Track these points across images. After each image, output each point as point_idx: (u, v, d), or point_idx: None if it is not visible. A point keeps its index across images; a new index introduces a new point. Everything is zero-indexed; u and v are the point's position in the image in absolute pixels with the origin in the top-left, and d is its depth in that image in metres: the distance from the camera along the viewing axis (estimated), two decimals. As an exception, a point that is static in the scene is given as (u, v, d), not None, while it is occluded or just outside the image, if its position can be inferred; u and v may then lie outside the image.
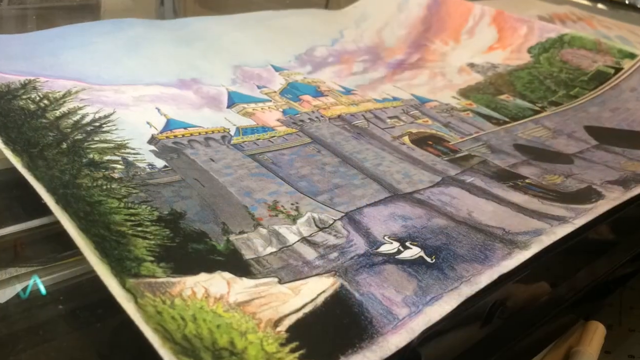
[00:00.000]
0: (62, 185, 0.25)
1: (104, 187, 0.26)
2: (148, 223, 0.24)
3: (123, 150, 0.30)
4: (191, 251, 0.23)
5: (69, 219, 0.22)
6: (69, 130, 0.30)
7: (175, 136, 0.33)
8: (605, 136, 0.40)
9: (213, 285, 0.21)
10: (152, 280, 0.20)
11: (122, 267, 0.21)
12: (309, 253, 0.24)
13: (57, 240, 0.25)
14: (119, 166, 0.28)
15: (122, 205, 0.25)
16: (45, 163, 0.26)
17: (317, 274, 0.23)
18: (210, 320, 0.19)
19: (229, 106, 0.39)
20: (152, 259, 0.22)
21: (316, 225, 0.26)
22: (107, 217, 0.23)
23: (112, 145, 0.30)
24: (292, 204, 0.28)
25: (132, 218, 0.24)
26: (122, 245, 0.22)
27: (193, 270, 0.22)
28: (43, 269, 0.27)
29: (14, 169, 0.26)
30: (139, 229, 0.23)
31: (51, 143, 0.28)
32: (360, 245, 0.25)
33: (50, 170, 0.26)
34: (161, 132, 0.33)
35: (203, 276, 0.21)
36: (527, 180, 0.33)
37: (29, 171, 0.25)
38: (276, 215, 0.27)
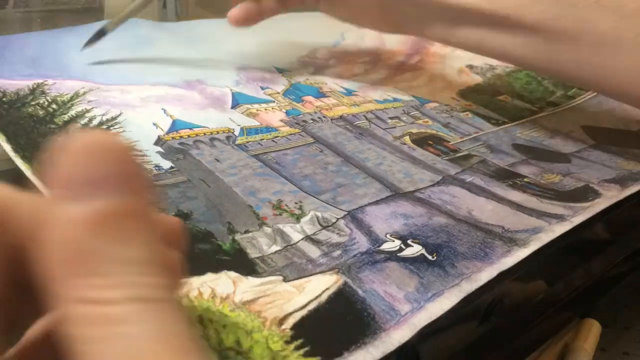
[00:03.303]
0: None
1: None
2: None
3: (130, 152, 0.30)
4: (198, 251, 0.23)
5: None
6: None
7: (181, 137, 0.33)
8: (603, 136, 0.40)
9: (219, 285, 0.21)
10: None
11: None
12: (313, 251, 0.24)
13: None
14: None
15: None
16: None
17: (320, 272, 0.23)
18: (216, 321, 0.19)
19: (233, 107, 0.39)
20: None
21: (319, 224, 0.27)
22: None
23: (119, 146, 0.30)
24: (295, 203, 0.28)
25: None
26: None
27: (199, 271, 0.22)
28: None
29: (12, 171, 0.27)
30: None
31: None
32: (362, 243, 0.25)
33: None
34: (167, 133, 0.33)
35: (209, 276, 0.22)
36: (525, 179, 0.33)
37: (39, 178, 0.25)
38: (280, 214, 0.27)
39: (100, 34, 0.42)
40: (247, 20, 0.42)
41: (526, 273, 0.25)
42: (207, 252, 0.23)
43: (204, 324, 0.19)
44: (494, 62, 0.52)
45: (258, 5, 0.42)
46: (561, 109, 0.45)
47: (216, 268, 0.22)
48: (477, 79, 0.49)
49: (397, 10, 0.38)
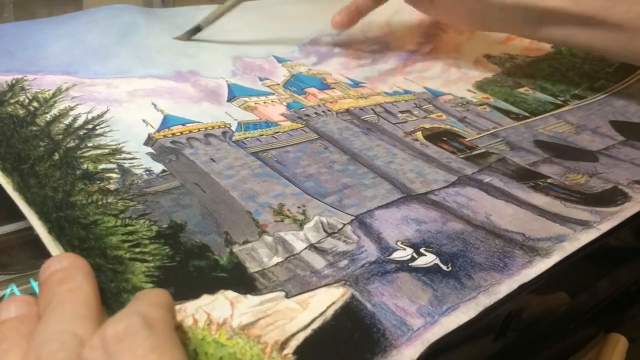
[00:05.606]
0: (55, 207, 0.25)
1: (100, 202, 0.26)
2: (147, 242, 0.24)
3: (118, 156, 0.30)
4: (192, 270, 0.23)
5: (62, 250, 0.22)
6: (60, 137, 0.30)
7: (173, 134, 0.33)
8: (633, 131, 0.40)
9: (216, 309, 0.21)
10: None
11: (120, 304, 0.21)
12: (318, 261, 0.24)
13: (36, 246, 0.25)
14: (114, 175, 0.28)
15: (118, 223, 0.25)
16: (37, 181, 0.26)
17: (326, 284, 0.23)
18: (212, 353, 0.19)
19: (229, 100, 0.39)
20: (151, 285, 0.22)
21: (324, 231, 0.27)
22: (103, 241, 0.24)
23: (106, 151, 0.30)
24: (298, 207, 0.28)
25: (130, 238, 0.24)
26: (119, 275, 0.22)
27: (194, 293, 0.22)
28: (21, 276, 0.27)
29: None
30: (137, 250, 0.24)
31: (42, 155, 0.28)
32: (371, 251, 0.25)
33: (42, 189, 0.26)
34: (158, 131, 0.33)
35: (205, 299, 0.22)
36: (548, 180, 0.33)
37: (20, 194, 0.25)
38: (282, 221, 0.27)
39: (196, 30, 0.46)
40: (350, 23, 0.49)
41: (547, 284, 0.25)
42: (202, 269, 0.23)
43: (199, 358, 0.19)
44: (513, 51, 0.52)
45: (355, 5, 0.48)
46: (587, 102, 0.45)
47: (212, 288, 0.22)
48: (496, 69, 0.49)
49: (483, 12, 0.44)
